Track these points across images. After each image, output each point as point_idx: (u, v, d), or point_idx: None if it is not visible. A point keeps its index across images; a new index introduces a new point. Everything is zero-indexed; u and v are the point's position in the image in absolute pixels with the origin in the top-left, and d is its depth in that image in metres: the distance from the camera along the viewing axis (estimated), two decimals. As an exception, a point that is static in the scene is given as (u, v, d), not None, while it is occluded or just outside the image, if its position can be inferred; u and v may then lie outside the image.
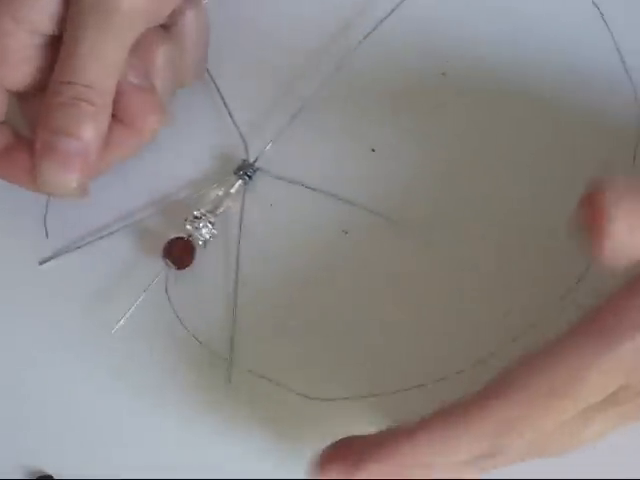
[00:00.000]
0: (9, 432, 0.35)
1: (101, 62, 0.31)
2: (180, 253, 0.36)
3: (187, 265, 0.36)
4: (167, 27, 0.35)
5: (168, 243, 0.36)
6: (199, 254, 0.36)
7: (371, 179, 0.38)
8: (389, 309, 0.36)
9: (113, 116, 0.33)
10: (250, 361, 0.35)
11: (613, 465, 0.32)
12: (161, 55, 0.33)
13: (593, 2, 0.39)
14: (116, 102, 0.32)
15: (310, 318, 0.36)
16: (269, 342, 0.35)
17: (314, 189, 0.37)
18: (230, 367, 0.35)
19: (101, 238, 0.36)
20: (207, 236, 0.36)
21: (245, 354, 0.35)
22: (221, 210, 0.37)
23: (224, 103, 0.38)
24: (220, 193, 0.37)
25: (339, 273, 0.36)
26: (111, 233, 0.37)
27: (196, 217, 0.36)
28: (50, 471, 0.34)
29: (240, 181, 0.37)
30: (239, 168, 0.38)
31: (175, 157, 0.38)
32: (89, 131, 0.31)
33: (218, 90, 0.38)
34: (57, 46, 0.32)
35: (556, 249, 0.35)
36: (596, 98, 0.38)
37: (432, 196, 0.37)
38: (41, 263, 0.36)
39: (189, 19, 0.35)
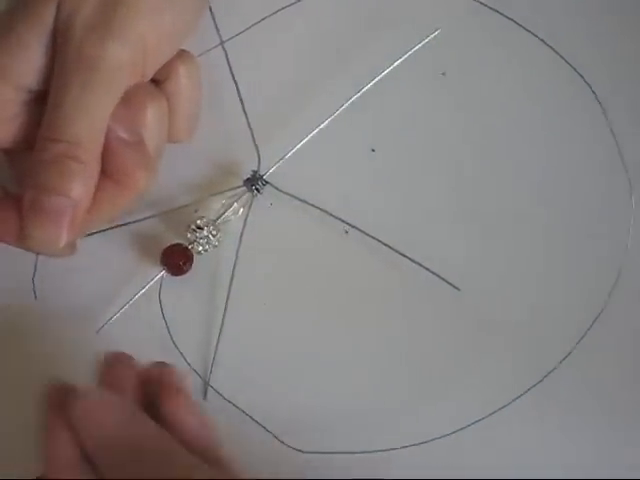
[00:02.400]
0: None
1: (87, 118, 0.30)
2: (177, 260, 0.36)
3: (183, 272, 0.36)
4: (159, 83, 0.34)
5: (167, 249, 0.36)
6: (196, 262, 0.36)
7: (371, 179, 0.38)
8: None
9: (102, 171, 0.31)
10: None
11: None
12: (151, 111, 0.32)
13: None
14: (104, 157, 0.31)
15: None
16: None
17: (328, 212, 0.37)
18: (207, 384, 0.36)
19: (103, 231, 0.37)
20: (207, 247, 0.37)
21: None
22: (222, 221, 0.37)
23: (243, 110, 0.37)
24: (224, 202, 0.37)
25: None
26: (112, 229, 0.37)
27: (199, 227, 0.36)
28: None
29: (248, 193, 0.37)
30: (249, 180, 0.37)
31: (181, 160, 0.37)
32: (77, 188, 0.30)
33: (239, 94, 0.37)
34: (44, 102, 0.31)
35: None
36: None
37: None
38: None
39: (181, 75, 0.34)
